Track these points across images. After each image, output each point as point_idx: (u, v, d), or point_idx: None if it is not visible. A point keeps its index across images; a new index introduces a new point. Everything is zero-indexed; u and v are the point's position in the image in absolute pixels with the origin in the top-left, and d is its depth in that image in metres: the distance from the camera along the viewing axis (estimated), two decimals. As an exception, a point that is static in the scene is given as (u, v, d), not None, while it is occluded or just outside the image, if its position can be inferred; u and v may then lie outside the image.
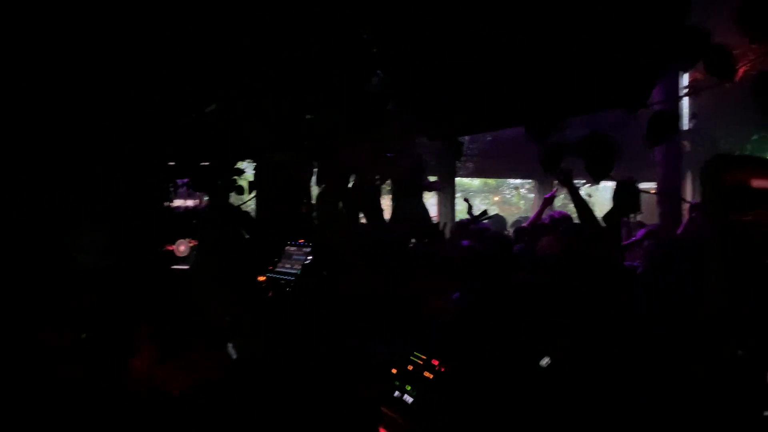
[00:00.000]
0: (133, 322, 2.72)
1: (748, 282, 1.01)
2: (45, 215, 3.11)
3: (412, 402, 2.15)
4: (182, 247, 3.62)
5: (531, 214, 10.42)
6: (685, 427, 1.68)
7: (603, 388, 2.04)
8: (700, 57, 2.40)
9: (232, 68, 3.40)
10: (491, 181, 14.26)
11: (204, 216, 4.24)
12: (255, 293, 3.28)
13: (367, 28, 3.13)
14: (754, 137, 11.87)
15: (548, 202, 5.91)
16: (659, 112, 2.54)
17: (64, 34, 2.98)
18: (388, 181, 4.79)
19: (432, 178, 5.37)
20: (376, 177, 4.34)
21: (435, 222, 5.20)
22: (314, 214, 4.44)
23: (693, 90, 8.34)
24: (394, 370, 2.27)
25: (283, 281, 3.27)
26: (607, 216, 3.05)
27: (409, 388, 2.18)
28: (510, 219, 8.34)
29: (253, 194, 4.20)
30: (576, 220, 3.81)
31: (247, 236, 4.08)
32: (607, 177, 2.71)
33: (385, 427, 2.16)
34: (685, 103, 12.47)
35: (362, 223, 4.41)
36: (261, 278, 3.33)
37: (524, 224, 6.08)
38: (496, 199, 14.98)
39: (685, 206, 9.16)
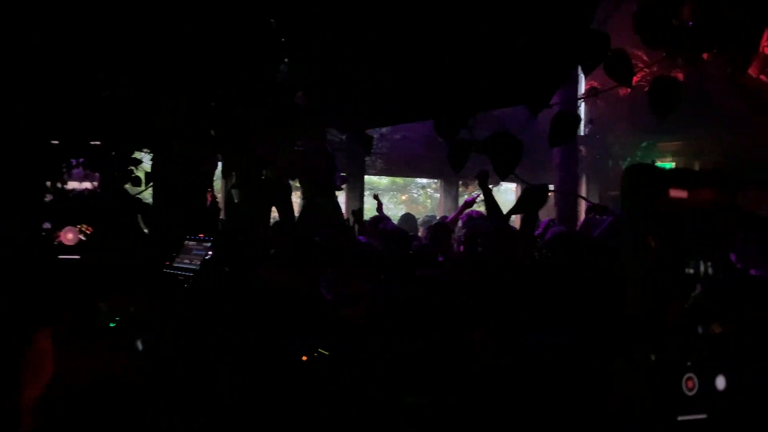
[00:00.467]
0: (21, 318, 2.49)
1: (669, 290, 1.03)
2: None
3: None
4: (70, 235, 3.31)
5: (437, 213, 10.62)
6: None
7: (514, 382, 2.06)
8: (601, 60, 2.48)
9: (131, 50, 3.19)
10: (399, 180, 14.41)
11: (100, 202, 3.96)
12: (152, 288, 3.11)
13: (275, 16, 3.03)
14: (643, 144, 12.69)
15: (468, 204, 6.05)
16: (562, 112, 2.61)
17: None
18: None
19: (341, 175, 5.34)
20: (288, 172, 4.24)
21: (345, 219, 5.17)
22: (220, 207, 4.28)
23: (591, 93, 8.78)
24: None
25: (180, 277, 3.12)
26: (518, 214, 3.14)
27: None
28: (417, 218, 8.45)
29: (150, 185, 3.97)
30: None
31: (145, 229, 3.86)
32: (511, 176, 2.76)
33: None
34: (582, 110, 13.14)
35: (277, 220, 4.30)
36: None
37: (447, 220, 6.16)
38: (404, 197, 15.15)
39: (582, 206, 9.66)
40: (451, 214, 6.02)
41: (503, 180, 2.87)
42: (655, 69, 5.56)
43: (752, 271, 2.51)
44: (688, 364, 1.02)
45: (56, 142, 3.61)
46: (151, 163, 3.99)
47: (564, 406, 1.91)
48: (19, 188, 3.28)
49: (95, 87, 3.21)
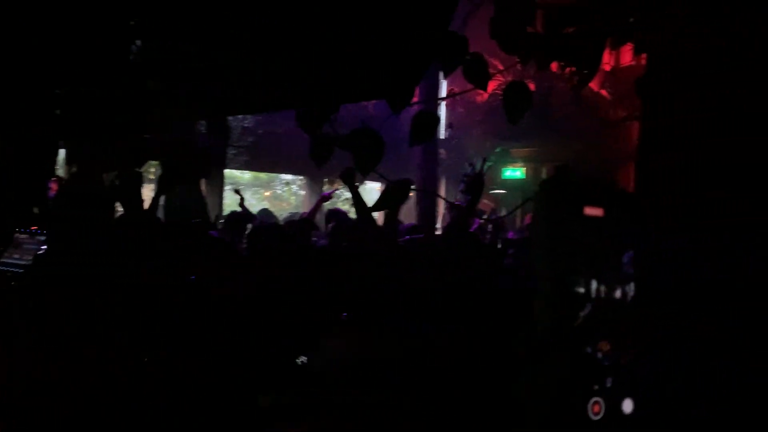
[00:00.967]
0: None
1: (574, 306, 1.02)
2: None
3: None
4: None
5: (302, 210, 10.48)
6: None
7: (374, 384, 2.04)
8: (460, 62, 2.55)
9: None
10: (263, 176, 14.10)
11: None
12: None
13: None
14: (498, 149, 13.47)
15: (324, 199, 6.08)
16: (422, 112, 2.66)
17: None
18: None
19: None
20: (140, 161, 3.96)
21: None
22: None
23: (449, 95, 9.13)
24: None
25: (9, 273, 2.80)
26: (382, 210, 3.17)
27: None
28: (281, 215, 8.30)
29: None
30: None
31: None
32: (373, 173, 2.76)
33: None
34: (442, 114, 13.67)
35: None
36: None
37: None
38: (267, 194, 14.85)
39: (440, 206, 10.05)
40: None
41: (365, 177, 2.88)
42: (510, 78, 5.89)
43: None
44: (595, 387, 0.99)
45: None
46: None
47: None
48: None
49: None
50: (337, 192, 7.92)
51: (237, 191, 6.31)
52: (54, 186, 4.25)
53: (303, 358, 2.13)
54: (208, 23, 2.35)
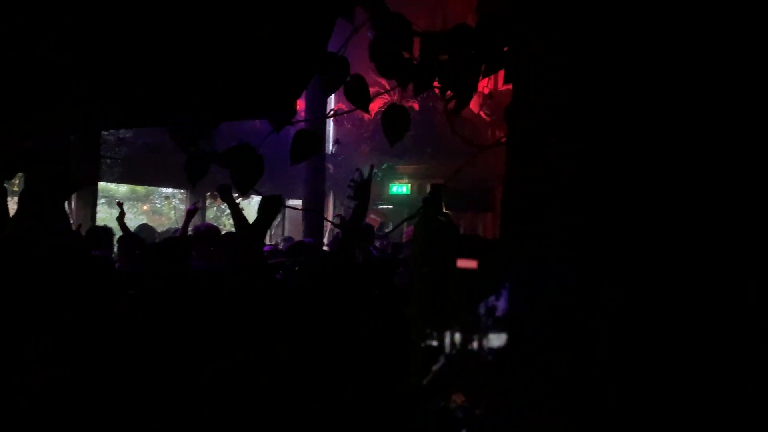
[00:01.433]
0: None
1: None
2: None
3: None
4: None
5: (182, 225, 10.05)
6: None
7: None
8: (340, 83, 2.58)
9: None
10: (140, 189, 13.43)
11: None
12: None
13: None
14: (384, 165, 13.72)
15: (191, 214, 5.91)
16: (302, 131, 2.65)
17: None
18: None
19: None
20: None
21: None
22: None
23: (334, 114, 9.19)
24: None
25: None
26: (263, 225, 3.13)
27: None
28: (160, 229, 7.94)
29: None
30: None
31: None
32: (253, 190, 2.71)
33: None
34: (330, 130, 13.73)
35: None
36: None
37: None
38: (145, 208, 14.15)
39: (327, 223, 10.05)
40: (192, 226, 5.80)
41: (243, 195, 2.82)
42: (396, 97, 6.02)
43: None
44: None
45: None
46: None
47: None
48: None
49: None
50: (222, 206, 7.70)
51: (119, 204, 5.98)
52: None
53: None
54: (69, 27, 2.22)
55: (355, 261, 3.63)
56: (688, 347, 1.84)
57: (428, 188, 14.59)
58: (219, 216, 13.60)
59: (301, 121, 3.80)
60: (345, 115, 12.34)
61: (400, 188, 14.42)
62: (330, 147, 13.14)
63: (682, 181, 1.92)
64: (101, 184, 9.90)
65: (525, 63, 2.07)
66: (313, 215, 8.68)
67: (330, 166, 12.09)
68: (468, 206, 11.96)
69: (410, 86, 2.71)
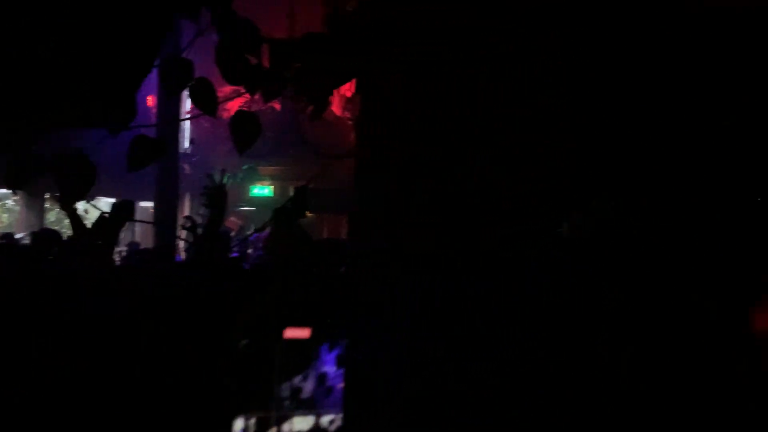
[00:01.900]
0: None
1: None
2: None
3: None
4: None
5: (15, 229, 9.22)
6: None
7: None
8: (184, 86, 2.43)
9: None
10: (-34, 190, 12.03)
11: None
12: None
13: None
14: (245, 167, 13.39)
15: None
16: (141, 136, 2.46)
17: None
18: None
19: None
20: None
21: None
22: None
23: (189, 117, 8.82)
24: None
25: None
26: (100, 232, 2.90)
27: None
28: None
29: None
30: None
31: None
32: (85, 197, 2.48)
33: None
34: (186, 130, 13.13)
35: None
36: None
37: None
38: (-27, 210, 12.72)
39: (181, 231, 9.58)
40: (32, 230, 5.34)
41: (69, 204, 2.59)
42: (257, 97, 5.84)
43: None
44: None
45: None
46: None
47: None
48: None
49: None
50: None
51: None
52: None
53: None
54: None
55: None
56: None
57: (291, 190, 14.46)
58: (62, 218, 12.53)
59: (138, 127, 3.55)
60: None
61: (262, 190, 14.16)
62: (185, 146, 12.57)
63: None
64: None
65: (374, 74, 2.07)
66: (166, 217, 8.26)
67: (186, 166, 11.57)
68: (335, 207, 11.98)
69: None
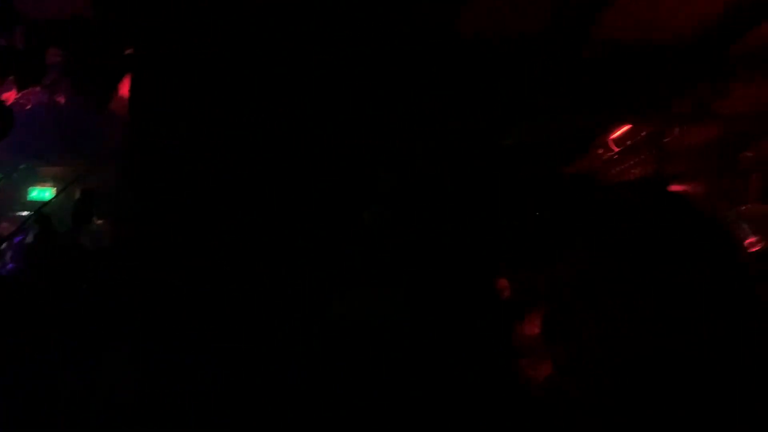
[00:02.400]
0: None
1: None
2: None
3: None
4: None
5: None
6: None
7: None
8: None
9: None
10: None
11: None
12: None
13: None
14: (22, 166, 11.89)
15: None
16: None
17: None
18: None
19: None
20: None
21: None
22: None
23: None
24: None
25: None
26: None
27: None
28: None
29: None
30: None
31: None
32: None
33: None
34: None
35: None
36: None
37: None
38: None
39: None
40: None
41: None
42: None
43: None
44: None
45: None
46: None
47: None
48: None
49: None
50: None
51: None
52: None
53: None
54: None
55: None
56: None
57: (78, 193, 13.15)
58: None
59: None
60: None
61: (43, 193, 12.72)
62: (-54, 141, 10.88)
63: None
64: None
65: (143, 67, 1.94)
66: None
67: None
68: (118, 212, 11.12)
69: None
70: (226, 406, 2.17)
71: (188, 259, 2.14)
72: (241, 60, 2.29)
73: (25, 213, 12.77)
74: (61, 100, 11.50)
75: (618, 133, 7.44)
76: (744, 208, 5.98)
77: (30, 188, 12.62)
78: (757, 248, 6.63)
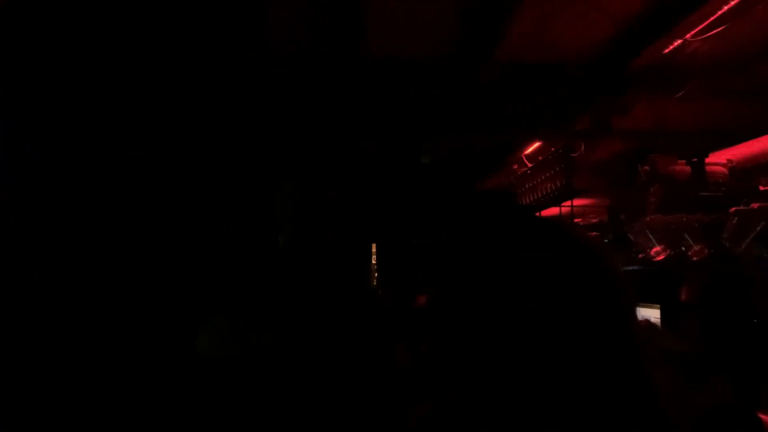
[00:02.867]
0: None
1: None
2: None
3: None
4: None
5: None
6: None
7: None
8: None
9: None
10: None
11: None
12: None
13: None
14: None
15: None
16: None
17: None
18: None
19: None
20: None
21: None
22: None
23: None
24: None
25: None
26: None
27: None
28: None
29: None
30: None
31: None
32: None
33: None
34: None
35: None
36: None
37: None
38: None
39: None
40: None
41: None
42: None
43: None
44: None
45: None
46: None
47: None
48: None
49: None
50: None
51: None
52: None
53: None
54: None
55: None
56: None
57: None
58: None
59: None
60: None
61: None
62: None
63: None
64: None
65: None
66: None
67: None
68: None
69: None
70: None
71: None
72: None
73: None
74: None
75: (530, 149, 7.59)
76: (649, 219, 6.18)
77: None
78: (663, 256, 6.86)
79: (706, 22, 4.38)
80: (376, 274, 9.44)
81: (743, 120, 5.00)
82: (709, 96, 5.12)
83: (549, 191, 6.89)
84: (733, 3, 4.20)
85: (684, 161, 5.24)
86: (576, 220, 7.16)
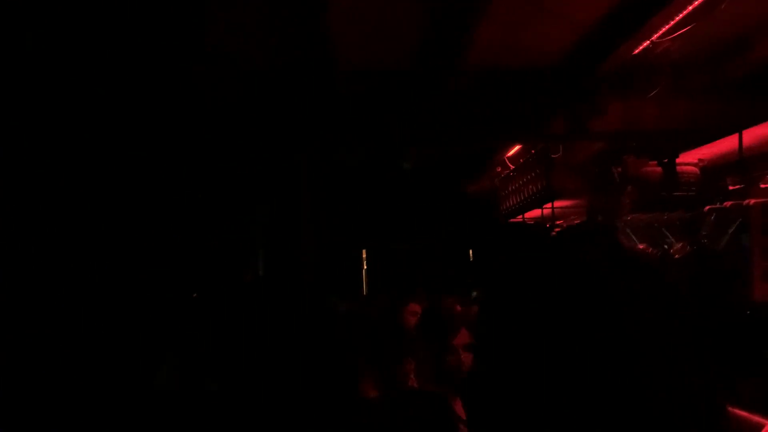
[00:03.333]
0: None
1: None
2: None
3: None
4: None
5: None
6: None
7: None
8: None
9: None
10: None
11: None
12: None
13: None
14: None
15: None
16: None
17: None
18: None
19: None
20: None
21: None
22: None
23: None
24: None
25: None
26: None
27: None
28: None
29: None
30: None
31: None
32: None
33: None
34: None
35: None
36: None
37: None
38: None
39: None
40: None
41: None
42: None
43: None
44: None
45: None
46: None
47: None
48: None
49: None
50: None
51: None
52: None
53: None
54: None
55: None
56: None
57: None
58: None
59: None
60: None
61: None
62: None
63: None
64: None
65: None
66: None
67: None
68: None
69: None
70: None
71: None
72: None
73: None
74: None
75: (512, 151, 7.66)
76: (629, 218, 6.23)
77: None
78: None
79: (671, 23, 4.44)
80: (366, 280, 9.51)
81: (712, 119, 5.07)
82: (679, 96, 5.19)
83: (531, 193, 6.96)
84: (697, 3, 4.26)
85: (655, 162, 5.30)
86: (558, 222, 7.23)
